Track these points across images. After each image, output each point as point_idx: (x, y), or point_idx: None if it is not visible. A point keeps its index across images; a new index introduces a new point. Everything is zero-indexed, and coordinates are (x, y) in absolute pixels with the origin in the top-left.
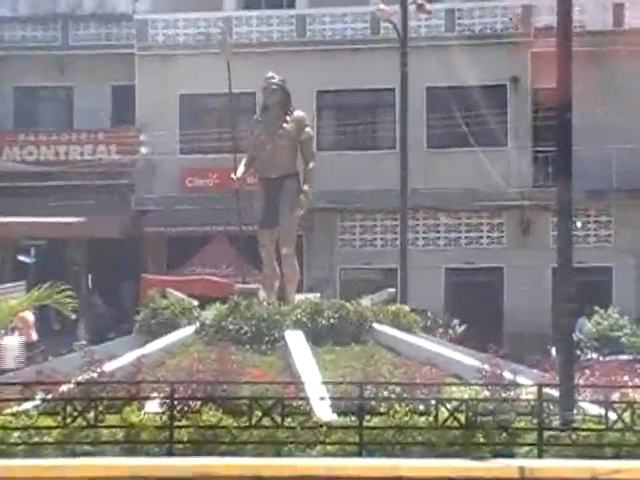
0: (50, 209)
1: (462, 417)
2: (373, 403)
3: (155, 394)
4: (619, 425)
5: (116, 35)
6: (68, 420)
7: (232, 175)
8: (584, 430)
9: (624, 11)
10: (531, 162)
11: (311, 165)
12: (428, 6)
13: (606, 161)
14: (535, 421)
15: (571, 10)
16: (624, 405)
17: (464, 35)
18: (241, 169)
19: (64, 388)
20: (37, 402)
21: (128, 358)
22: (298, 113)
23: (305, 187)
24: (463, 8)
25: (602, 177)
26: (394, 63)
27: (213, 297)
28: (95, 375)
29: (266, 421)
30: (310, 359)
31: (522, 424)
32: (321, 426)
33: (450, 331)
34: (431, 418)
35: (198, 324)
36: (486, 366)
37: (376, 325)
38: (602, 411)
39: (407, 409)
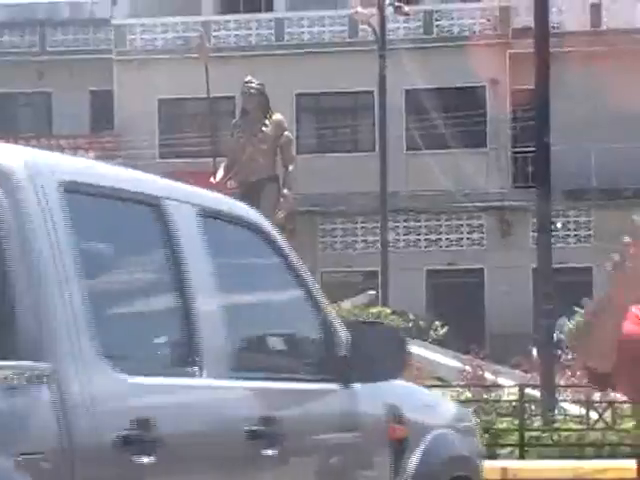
0: None
1: None
2: None
3: None
4: (600, 425)
5: (94, 40)
6: None
7: (212, 179)
8: (566, 430)
9: (601, 11)
10: (510, 163)
11: (290, 168)
12: (406, 8)
13: (585, 161)
14: (517, 422)
15: (548, 11)
16: (605, 405)
17: (442, 37)
18: (220, 173)
19: None
20: None
21: None
22: (277, 116)
23: (285, 190)
24: (441, 10)
25: (581, 177)
26: (373, 66)
27: None
28: None
29: None
30: None
31: (504, 425)
32: None
33: (432, 332)
34: None
35: None
36: (467, 367)
37: None
38: (583, 411)
39: None
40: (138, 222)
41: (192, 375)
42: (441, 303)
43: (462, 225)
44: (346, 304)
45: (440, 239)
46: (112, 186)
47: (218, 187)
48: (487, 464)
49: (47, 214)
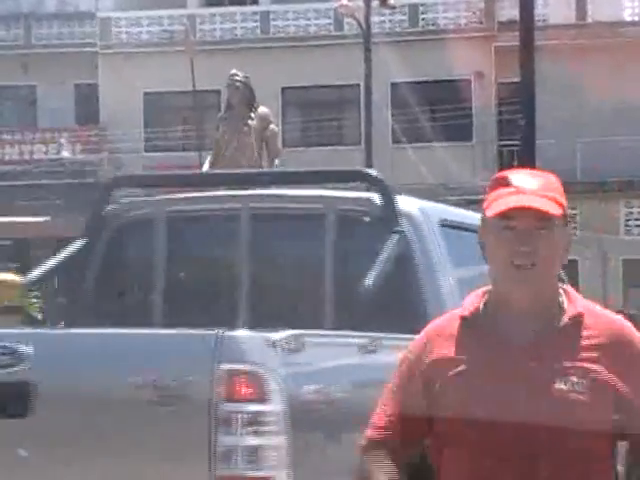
0: (15, 209)
1: None
2: None
3: None
4: None
5: (79, 33)
6: None
7: None
8: None
9: (587, 4)
10: (496, 156)
11: (276, 162)
12: (391, 1)
13: (571, 154)
14: None
15: (533, 4)
16: None
17: (428, 30)
18: (206, 166)
19: None
20: None
21: None
22: (263, 110)
23: None
24: (427, 3)
25: (567, 170)
26: (358, 59)
27: None
28: None
29: None
30: None
31: None
32: None
33: None
34: None
35: None
36: None
37: None
38: None
39: None
40: (472, 243)
41: None
42: None
43: None
44: None
45: None
46: (460, 221)
47: None
48: None
49: (434, 239)
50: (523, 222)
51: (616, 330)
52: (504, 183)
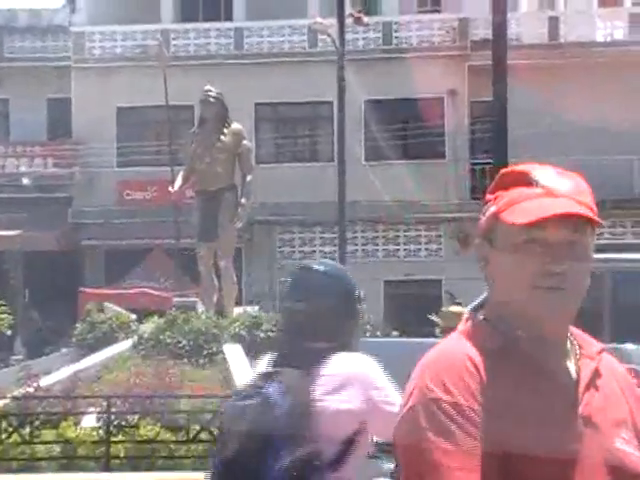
0: None
1: None
2: None
3: (92, 409)
4: None
5: (52, 47)
6: (3, 436)
7: (170, 188)
8: None
9: (559, 24)
10: (469, 174)
11: (249, 178)
12: (365, 19)
13: None
14: None
15: (507, 23)
16: None
17: (402, 48)
18: (179, 182)
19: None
20: None
21: (65, 373)
22: (236, 126)
23: (243, 200)
24: (400, 21)
25: None
26: (332, 76)
27: (151, 310)
28: (31, 390)
29: (204, 435)
30: (249, 373)
31: None
32: None
33: None
34: None
35: (136, 338)
36: None
37: None
38: None
39: None
40: None
41: None
42: (399, 314)
43: (420, 236)
44: None
45: (398, 250)
46: None
47: (176, 196)
48: None
49: None
50: (556, 234)
51: (619, 366)
52: (526, 181)
